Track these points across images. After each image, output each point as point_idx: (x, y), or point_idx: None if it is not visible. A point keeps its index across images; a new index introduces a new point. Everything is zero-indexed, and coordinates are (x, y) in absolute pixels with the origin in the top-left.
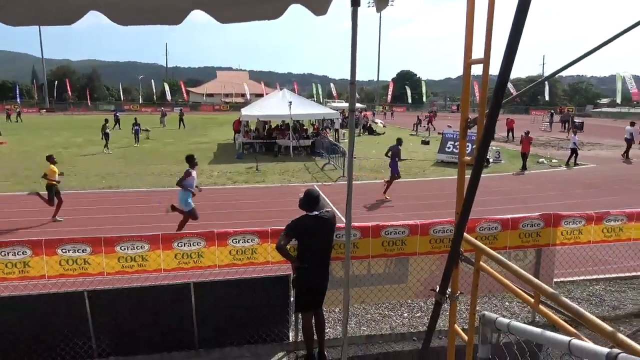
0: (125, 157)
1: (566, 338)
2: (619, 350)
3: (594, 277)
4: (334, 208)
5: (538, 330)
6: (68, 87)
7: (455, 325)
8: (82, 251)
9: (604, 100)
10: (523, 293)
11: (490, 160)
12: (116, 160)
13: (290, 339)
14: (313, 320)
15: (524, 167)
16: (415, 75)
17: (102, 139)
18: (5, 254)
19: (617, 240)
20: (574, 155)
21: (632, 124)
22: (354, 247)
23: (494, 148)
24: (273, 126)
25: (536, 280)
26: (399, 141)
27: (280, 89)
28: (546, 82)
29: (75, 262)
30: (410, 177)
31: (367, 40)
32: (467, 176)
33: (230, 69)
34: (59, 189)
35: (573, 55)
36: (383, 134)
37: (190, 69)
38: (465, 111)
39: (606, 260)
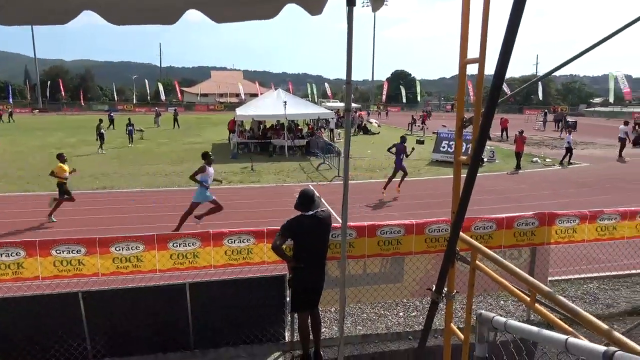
0: (119, 157)
1: (563, 336)
2: (615, 348)
3: (588, 275)
4: (329, 208)
5: (535, 328)
6: (61, 87)
7: (452, 324)
8: (77, 252)
9: (597, 100)
10: (519, 292)
11: (485, 159)
12: (110, 161)
13: (286, 339)
14: (309, 320)
15: (518, 167)
16: (410, 74)
17: (97, 139)
18: None
19: (610, 239)
20: (569, 154)
21: (626, 123)
22: (349, 246)
23: (488, 147)
24: (268, 126)
25: (532, 278)
26: (403, 139)
27: (275, 89)
28: (539, 82)
29: (70, 263)
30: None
31: (361, 39)
32: (463, 175)
33: (224, 68)
34: (67, 188)
35: (565, 55)
36: (378, 133)
37: (185, 69)
38: (461, 111)
39: (600, 259)
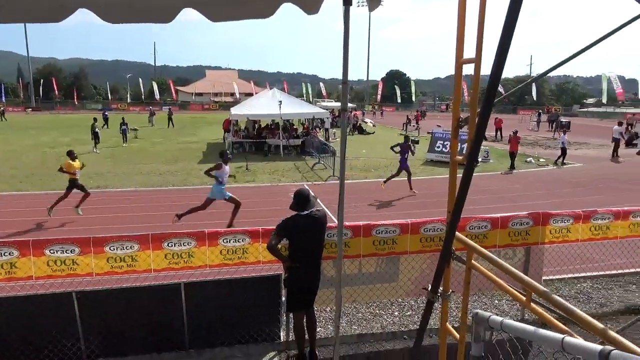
0: (113, 156)
1: (559, 336)
2: (611, 347)
3: (582, 275)
4: (324, 207)
5: (531, 328)
6: (55, 85)
7: (447, 324)
8: (71, 252)
9: (590, 100)
10: (515, 291)
11: (479, 159)
12: (104, 160)
13: (282, 338)
14: (304, 320)
15: (512, 167)
16: (405, 74)
17: (92, 138)
18: None
19: (604, 239)
20: (563, 154)
21: (620, 124)
22: (345, 246)
23: (482, 147)
24: (263, 125)
25: (528, 278)
26: (407, 138)
27: (270, 88)
28: (534, 82)
29: (64, 262)
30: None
31: (356, 39)
32: (458, 175)
33: (219, 68)
34: (79, 184)
35: (559, 55)
36: (373, 133)
37: (179, 68)
38: (457, 111)
39: (593, 258)
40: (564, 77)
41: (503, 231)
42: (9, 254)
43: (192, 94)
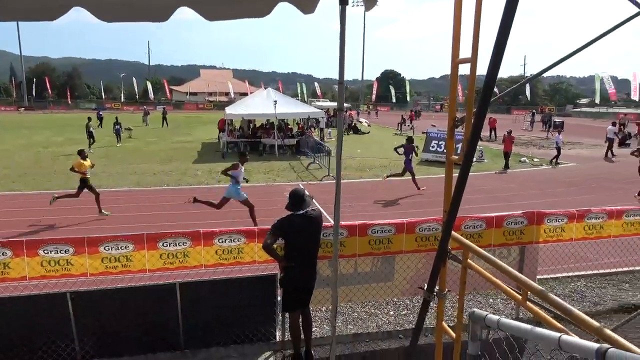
0: (107, 156)
1: (556, 334)
2: (608, 345)
3: (576, 273)
4: (319, 207)
5: (528, 326)
6: (48, 85)
7: (443, 323)
8: (65, 252)
9: (584, 100)
10: (511, 290)
11: (474, 159)
12: (98, 160)
13: (277, 338)
14: (300, 320)
15: (506, 166)
16: (399, 74)
17: (88, 138)
18: None
19: (597, 238)
20: (558, 153)
21: (614, 124)
22: (340, 245)
23: (477, 147)
24: (258, 125)
25: (524, 277)
26: (410, 139)
27: (265, 88)
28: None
29: (58, 263)
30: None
31: (351, 39)
32: (455, 175)
33: (214, 67)
34: (89, 184)
35: (552, 55)
36: (368, 133)
37: (173, 67)
38: (453, 110)
39: (587, 257)
40: (558, 77)
41: (498, 230)
42: (2, 254)
43: (187, 93)
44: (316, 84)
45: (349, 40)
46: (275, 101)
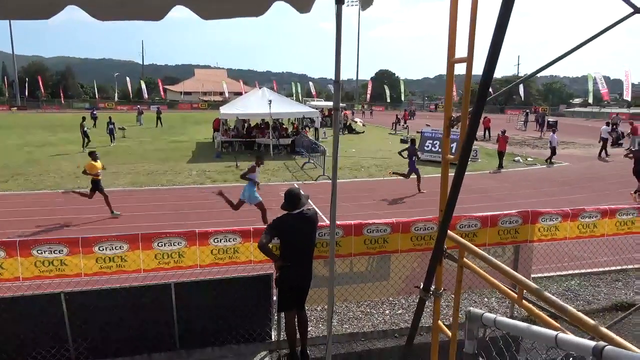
0: (101, 156)
1: (553, 332)
2: (604, 343)
3: (570, 272)
4: (314, 207)
5: (524, 325)
6: (40, 84)
7: (439, 322)
8: (59, 252)
9: (577, 100)
10: (507, 289)
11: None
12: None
13: (273, 338)
14: (296, 319)
15: (500, 166)
16: (394, 74)
17: (82, 138)
18: None
19: (591, 236)
20: (553, 153)
21: (608, 124)
22: (336, 245)
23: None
24: (252, 125)
25: (521, 276)
26: (413, 141)
27: (260, 88)
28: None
29: (52, 263)
30: (390, 175)
31: (345, 39)
32: (450, 174)
33: (208, 67)
34: (101, 185)
35: (545, 55)
36: (362, 132)
37: (168, 67)
38: (449, 110)
39: (581, 256)
40: (551, 77)
41: (492, 229)
42: None
43: (181, 93)
44: (311, 83)
45: (343, 40)
46: (270, 100)
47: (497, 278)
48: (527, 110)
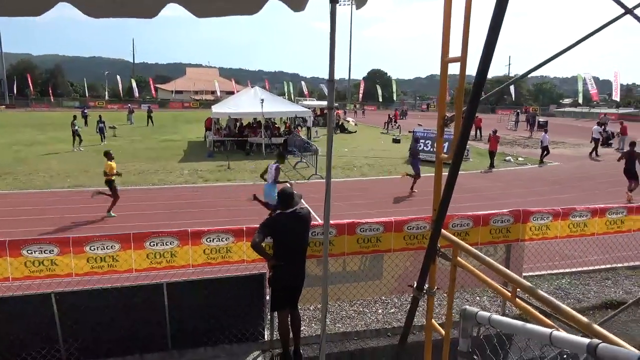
0: (91, 155)
1: (547, 330)
2: (598, 341)
3: (560, 271)
4: (307, 206)
5: (519, 323)
6: (30, 82)
7: (432, 320)
8: (49, 252)
9: (567, 100)
10: (500, 287)
11: None
12: (81, 159)
13: (266, 337)
14: (289, 319)
15: (491, 165)
16: (386, 74)
17: (76, 136)
18: None
19: (581, 235)
20: (545, 152)
21: (599, 124)
22: (329, 244)
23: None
24: (245, 124)
25: (514, 275)
26: (417, 140)
27: (252, 87)
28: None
29: (42, 263)
30: (382, 174)
31: (337, 38)
32: (444, 174)
33: (199, 65)
34: (115, 185)
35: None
36: (355, 132)
37: (158, 65)
38: (443, 109)
39: (571, 255)
40: (541, 77)
41: (484, 228)
42: None
43: (172, 91)
44: (303, 82)
45: (336, 40)
46: (262, 100)
47: (490, 277)
48: (518, 110)
